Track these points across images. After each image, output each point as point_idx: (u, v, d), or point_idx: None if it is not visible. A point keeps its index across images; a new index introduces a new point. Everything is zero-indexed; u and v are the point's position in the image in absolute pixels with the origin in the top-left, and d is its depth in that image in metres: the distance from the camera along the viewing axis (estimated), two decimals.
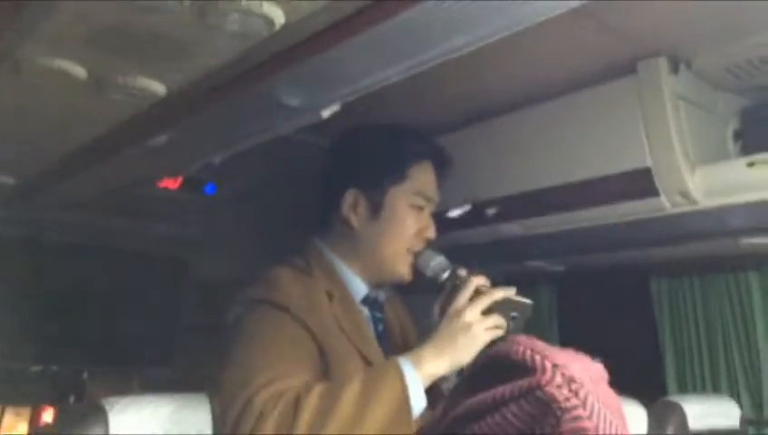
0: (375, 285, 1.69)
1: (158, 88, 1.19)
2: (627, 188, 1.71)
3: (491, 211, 1.91)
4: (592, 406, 0.66)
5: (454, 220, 2.06)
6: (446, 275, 1.62)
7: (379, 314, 1.70)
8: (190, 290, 2.89)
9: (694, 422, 2.00)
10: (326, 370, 1.46)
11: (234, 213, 2.65)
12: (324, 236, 1.71)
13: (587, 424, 0.65)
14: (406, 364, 1.37)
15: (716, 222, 1.77)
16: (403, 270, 1.66)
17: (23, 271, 2.55)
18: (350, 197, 1.67)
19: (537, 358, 0.69)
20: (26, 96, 1.27)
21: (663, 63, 1.59)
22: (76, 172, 1.77)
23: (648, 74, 1.61)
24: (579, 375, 0.68)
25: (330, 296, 1.58)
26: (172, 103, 1.30)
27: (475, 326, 1.44)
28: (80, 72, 1.14)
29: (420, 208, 1.68)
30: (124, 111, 1.31)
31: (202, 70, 1.14)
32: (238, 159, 1.68)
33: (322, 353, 1.47)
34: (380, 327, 1.69)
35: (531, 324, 2.77)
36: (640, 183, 1.67)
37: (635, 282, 2.56)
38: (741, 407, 2.15)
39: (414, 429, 1.30)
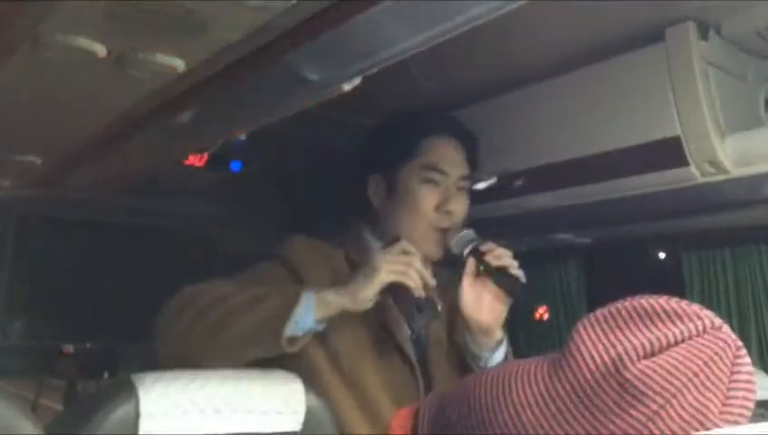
0: None
1: (178, 64, 1.19)
2: (656, 158, 1.68)
3: (516, 183, 1.89)
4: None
5: (478, 193, 2.04)
6: (467, 250, 1.62)
7: None
8: (219, 266, 2.91)
9: None
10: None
11: (260, 189, 2.66)
12: (365, 220, 1.78)
13: (749, 361, 0.74)
14: (310, 289, 1.46)
15: (748, 191, 1.73)
16: (426, 247, 1.67)
17: (53, 250, 2.59)
18: (372, 182, 1.75)
19: (696, 308, 0.77)
20: (48, 75, 1.27)
21: (692, 29, 1.55)
22: (102, 151, 1.78)
23: (676, 41, 1.58)
24: None
25: (352, 266, 1.63)
26: (193, 80, 1.30)
27: (378, 263, 1.47)
28: (99, 49, 1.13)
29: (435, 183, 1.69)
30: (145, 88, 1.31)
31: (221, 45, 1.13)
32: (264, 135, 1.68)
33: None
34: None
35: (559, 298, 2.78)
36: (669, 152, 1.64)
37: (664, 254, 2.53)
38: None
39: (280, 342, 1.40)
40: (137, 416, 1.24)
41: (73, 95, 1.41)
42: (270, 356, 1.44)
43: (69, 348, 2.67)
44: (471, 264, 1.61)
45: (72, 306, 2.65)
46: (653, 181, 1.73)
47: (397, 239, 1.56)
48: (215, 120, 1.60)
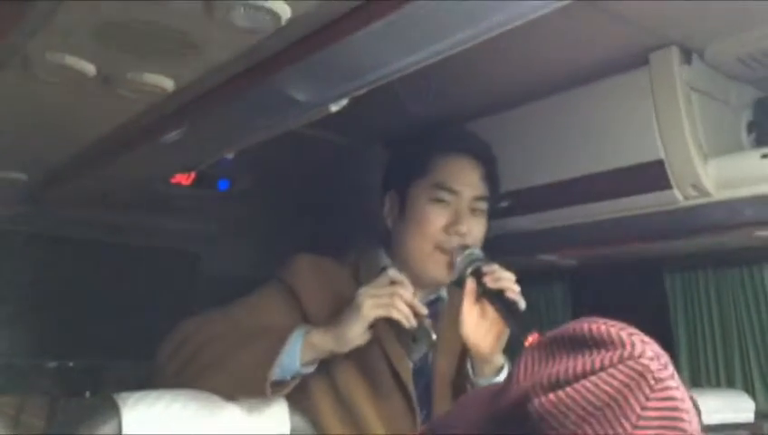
0: (421, 285, 1.62)
1: (167, 84, 1.19)
2: (639, 181, 1.70)
3: (500, 205, 1.89)
4: (677, 378, 0.69)
5: None
6: (469, 270, 1.55)
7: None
8: (202, 285, 2.90)
9: (708, 416, 1.97)
10: None
11: (246, 209, 2.65)
12: (379, 238, 1.74)
13: (676, 394, 0.67)
14: (300, 329, 1.44)
15: (730, 214, 1.75)
16: (434, 269, 1.62)
17: (37, 267, 2.57)
18: (387, 200, 1.70)
19: (623, 334, 0.70)
20: (36, 93, 1.27)
21: (675, 53, 1.57)
22: (88, 169, 1.78)
23: (660, 65, 1.60)
24: (661, 352, 0.71)
25: (360, 286, 1.54)
26: (181, 99, 1.30)
27: (361, 300, 1.42)
28: (88, 68, 1.14)
29: (445, 202, 1.63)
30: (133, 107, 1.31)
31: (210, 65, 1.14)
32: (251, 155, 1.68)
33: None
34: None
35: (544, 319, 2.78)
36: (653, 175, 1.66)
37: (648, 275, 2.54)
38: (755, 401, 2.14)
39: (265, 387, 1.39)
40: None
41: (61, 113, 1.41)
42: None
43: (52, 365, 2.65)
44: (471, 285, 1.54)
45: (54, 324, 2.62)
46: (637, 204, 1.75)
47: (383, 270, 1.53)
48: (203, 140, 1.60)
